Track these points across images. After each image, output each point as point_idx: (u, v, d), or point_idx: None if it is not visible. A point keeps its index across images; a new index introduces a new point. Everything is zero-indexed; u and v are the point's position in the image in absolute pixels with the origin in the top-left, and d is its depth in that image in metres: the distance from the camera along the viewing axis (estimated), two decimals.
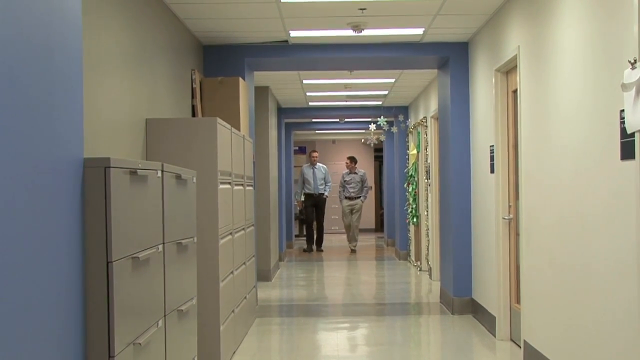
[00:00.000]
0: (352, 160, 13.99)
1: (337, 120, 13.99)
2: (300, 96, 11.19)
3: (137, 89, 4.70)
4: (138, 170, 2.98)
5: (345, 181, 13.94)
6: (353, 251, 13.80)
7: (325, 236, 14.76)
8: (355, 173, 13.91)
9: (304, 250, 13.98)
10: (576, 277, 4.07)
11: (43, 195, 2.28)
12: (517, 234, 5.55)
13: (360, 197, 13.84)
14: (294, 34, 6.68)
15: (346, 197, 13.90)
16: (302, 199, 13.99)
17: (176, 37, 5.85)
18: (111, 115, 4.17)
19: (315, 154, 14.16)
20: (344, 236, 18.38)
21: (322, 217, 14.17)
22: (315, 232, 14.16)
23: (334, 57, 7.21)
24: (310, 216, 14.01)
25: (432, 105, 9.49)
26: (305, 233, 14.37)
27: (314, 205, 13.94)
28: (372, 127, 11.75)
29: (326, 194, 14.03)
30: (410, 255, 11.80)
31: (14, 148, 2.09)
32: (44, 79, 2.32)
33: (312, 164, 13.92)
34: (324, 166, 14.18)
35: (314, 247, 14.01)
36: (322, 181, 13.89)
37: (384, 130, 12.36)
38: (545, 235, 4.67)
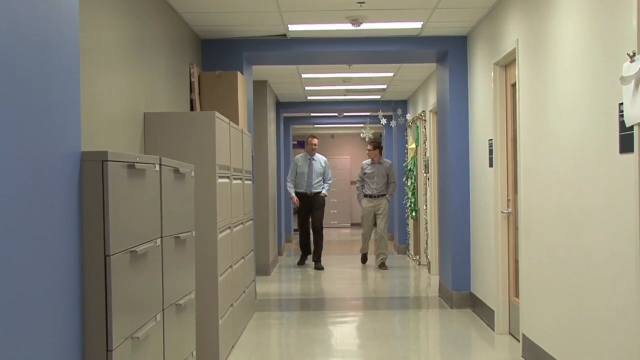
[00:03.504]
0: (376, 147, 10.41)
1: (336, 114, 13.96)
2: (299, 90, 11.17)
3: (135, 83, 4.69)
4: (136, 164, 2.97)
5: (365, 174, 10.38)
6: (382, 266, 10.33)
7: (323, 230, 11.26)
8: (380, 164, 10.32)
9: (298, 264, 10.95)
10: (575, 270, 4.07)
11: (40, 189, 2.28)
12: (516, 228, 5.55)
13: (385, 194, 10.36)
14: (292, 27, 6.67)
15: (366, 195, 10.39)
16: (293, 195, 10.59)
17: (174, 31, 5.84)
18: (109, 109, 4.16)
19: (314, 141, 10.59)
20: (344, 230, 18.36)
21: (320, 221, 10.55)
22: (311, 241, 10.72)
23: (333, 51, 7.20)
24: (304, 221, 10.66)
25: (430, 99, 9.48)
26: (299, 240, 11.01)
27: (309, 208, 10.51)
28: (367, 124, 11.68)
29: (324, 192, 10.57)
30: (409, 249, 11.80)
31: (11, 142, 2.08)
32: (40, 73, 2.31)
33: (310, 154, 10.54)
34: (325, 158, 10.70)
35: (313, 262, 10.59)
36: (320, 178, 10.52)
37: (382, 124, 12.33)
38: (544, 229, 4.67)
